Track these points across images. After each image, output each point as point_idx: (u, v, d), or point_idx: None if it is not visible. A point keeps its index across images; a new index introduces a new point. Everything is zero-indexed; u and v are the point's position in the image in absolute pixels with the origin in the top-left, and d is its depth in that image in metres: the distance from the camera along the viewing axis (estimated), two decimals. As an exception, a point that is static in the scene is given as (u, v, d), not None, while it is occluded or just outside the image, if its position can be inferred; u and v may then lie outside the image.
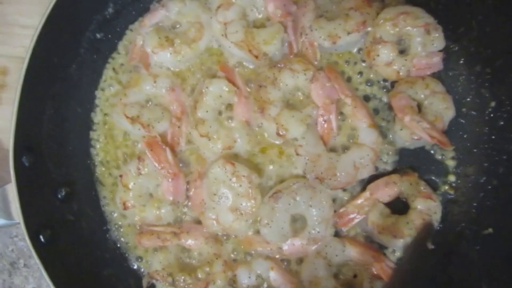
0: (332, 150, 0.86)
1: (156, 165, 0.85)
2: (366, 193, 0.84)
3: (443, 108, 0.84)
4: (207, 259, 0.84)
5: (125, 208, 0.85)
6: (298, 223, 0.85)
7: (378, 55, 0.85)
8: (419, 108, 0.86)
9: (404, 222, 0.82)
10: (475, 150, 0.86)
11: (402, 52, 0.86)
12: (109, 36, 0.92)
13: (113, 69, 0.92)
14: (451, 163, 0.87)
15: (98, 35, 0.91)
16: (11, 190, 0.75)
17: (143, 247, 0.87)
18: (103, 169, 0.91)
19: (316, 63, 0.88)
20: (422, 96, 0.85)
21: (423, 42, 0.84)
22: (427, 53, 0.84)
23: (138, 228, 0.87)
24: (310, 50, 0.88)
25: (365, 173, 0.84)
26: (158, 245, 0.85)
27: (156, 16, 0.89)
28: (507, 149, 0.82)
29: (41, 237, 0.78)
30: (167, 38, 0.87)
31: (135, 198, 0.85)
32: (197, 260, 0.86)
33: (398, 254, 0.85)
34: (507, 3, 0.77)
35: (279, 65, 0.86)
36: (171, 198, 0.86)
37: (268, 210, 0.82)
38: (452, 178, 0.87)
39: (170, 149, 0.86)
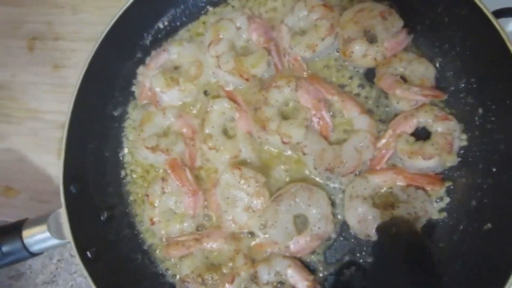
0: (334, 142, 0.96)
1: (178, 184, 0.97)
2: (389, 131, 0.94)
3: (423, 70, 0.95)
4: (229, 256, 0.94)
5: (152, 224, 0.97)
6: (301, 223, 0.94)
7: (352, 52, 0.96)
8: (404, 79, 0.95)
9: (429, 144, 0.91)
10: (469, 154, 0.93)
11: (372, 41, 0.97)
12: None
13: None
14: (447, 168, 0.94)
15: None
16: (63, 214, 0.88)
17: (172, 257, 0.97)
18: (137, 198, 1.04)
19: (305, 74, 1.00)
20: (402, 69, 0.96)
21: (384, 27, 0.95)
22: (392, 34, 0.96)
23: (165, 241, 0.98)
24: (297, 65, 1.01)
25: (368, 154, 0.93)
26: (184, 253, 0.95)
27: (160, 60, 1.04)
28: (497, 149, 0.88)
29: (88, 253, 0.89)
30: (172, 78, 1.01)
31: (161, 214, 0.97)
32: (221, 258, 0.95)
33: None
34: (480, 21, 0.86)
35: (265, 86, 0.99)
36: (191, 213, 0.97)
37: (272, 212, 0.92)
38: (449, 182, 0.93)
39: (189, 169, 0.98)
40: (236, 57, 1.00)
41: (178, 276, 0.97)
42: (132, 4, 0.99)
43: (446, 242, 0.91)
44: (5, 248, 0.87)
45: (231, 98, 1.00)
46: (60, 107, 1.19)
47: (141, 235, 1.02)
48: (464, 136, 0.93)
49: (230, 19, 1.03)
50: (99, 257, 0.91)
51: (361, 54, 0.96)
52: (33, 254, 0.89)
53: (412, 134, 0.94)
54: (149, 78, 1.04)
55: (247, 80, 0.99)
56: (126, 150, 1.06)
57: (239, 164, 0.97)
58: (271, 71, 1.02)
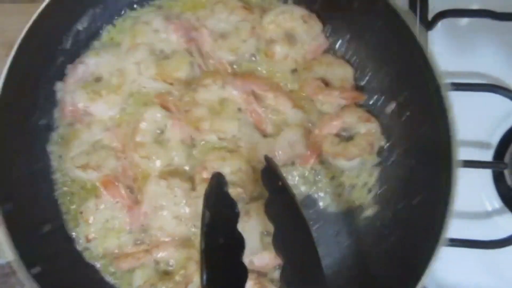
0: (270, 135, 0.97)
1: (112, 200, 0.94)
2: (316, 131, 0.96)
3: (342, 71, 0.97)
4: (181, 264, 0.93)
5: (88, 241, 0.94)
6: (267, 238, 0.92)
7: (274, 53, 0.97)
8: (326, 82, 0.97)
9: (352, 145, 0.93)
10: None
11: (293, 43, 0.98)
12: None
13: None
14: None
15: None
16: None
17: (122, 269, 0.95)
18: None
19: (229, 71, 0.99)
20: (322, 72, 0.97)
21: (305, 30, 0.97)
22: (312, 37, 0.97)
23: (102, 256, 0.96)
24: (222, 67, 0.99)
25: (299, 148, 0.95)
26: (134, 265, 0.94)
27: (78, 73, 0.99)
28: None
29: (32, 270, 0.85)
30: (94, 91, 0.97)
31: (96, 231, 0.95)
32: (174, 266, 0.94)
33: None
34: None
35: (192, 87, 0.96)
36: (128, 228, 0.95)
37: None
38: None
39: (122, 184, 0.95)
40: (157, 62, 0.97)
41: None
42: (46, 6, 0.92)
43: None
44: None
45: (163, 105, 0.97)
46: None
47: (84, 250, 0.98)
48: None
49: (145, 22, 0.98)
50: (45, 273, 0.87)
51: (283, 55, 0.97)
52: None
53: (337, 135, 0.95)
54: (69, 94, 0.99)
55: (171, 84, 0.97)
56: (55, 164, 1.01)
57: (172, 171, 0.95)
58: (196, 72, 0.99)
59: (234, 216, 0.76)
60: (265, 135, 0.96)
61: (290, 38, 0.98)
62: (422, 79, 0.83)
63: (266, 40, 0.97)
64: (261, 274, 0.92)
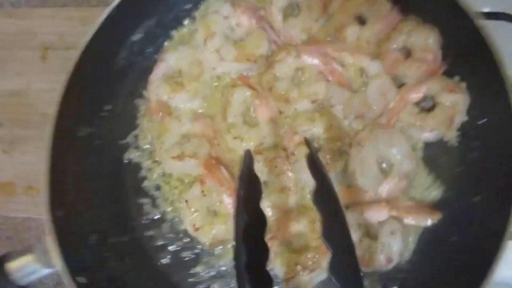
0: (356, 90, 0.96)
1: (216, 184, 0.94)
2: (397, 97, 0.93)
3: (424, 38, 0.93)
4: (309, 230, 0.90)
5: (195, 229, 0.93)
6: (385, 169, 0.92)
7: (346, 37, 0.97)
8: (409, 52, 0.95)
9: (431, 117, 0.91)
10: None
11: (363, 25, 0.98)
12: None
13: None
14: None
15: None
16: (48, 241, 0.82)
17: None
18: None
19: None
20: (402, 41, 0.95)
21: (373, 11, 0.97)
22: (382, 15, 0.96)
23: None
24: (293, 43, 1.01)
25: (391, 95, 0.94)
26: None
27: (160, 70, 1.02)
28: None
29: (81, 279, 0.83)
30: (176, 82, 1.00)
31: (203, 218, 0.93)
32: (301, 239, 0.91)
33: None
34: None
35: (269, 63, 0.98)
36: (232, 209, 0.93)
37: (357, 162, 0.91)
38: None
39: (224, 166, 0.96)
40: (236, 45, 0.99)
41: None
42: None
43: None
44: None
45: (249, 85, 0.99)
46: None
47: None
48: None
49: (215, 11, 1.02)
50: (93, 283, 0.86)
51: (355, 37, 0.97)
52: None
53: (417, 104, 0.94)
54: (154, 91, 1.02)
55: (255, 62, 0.99)
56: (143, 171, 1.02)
57: (265, 148, 0.95)
58: (273, 47, 1.01)
59: (259, 194, 0.77)
60: (354, 91, 0.96)
61: (360, 20, 0.99)
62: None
63: (336, 27, 0.99)
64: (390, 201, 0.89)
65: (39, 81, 1.30)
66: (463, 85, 0.91)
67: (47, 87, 1.29)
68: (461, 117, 0.90)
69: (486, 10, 1.06)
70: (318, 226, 0.83)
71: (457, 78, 0.92)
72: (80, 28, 1.31)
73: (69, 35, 1.32)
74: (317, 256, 0.88)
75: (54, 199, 0.86)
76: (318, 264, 0.87)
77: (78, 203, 0.93)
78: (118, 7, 0.96)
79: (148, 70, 1.04)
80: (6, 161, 1.25)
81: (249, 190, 0.73)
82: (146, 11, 1.04)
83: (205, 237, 0.94)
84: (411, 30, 0.94)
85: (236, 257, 0.67)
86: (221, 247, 0.96)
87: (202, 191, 0.94)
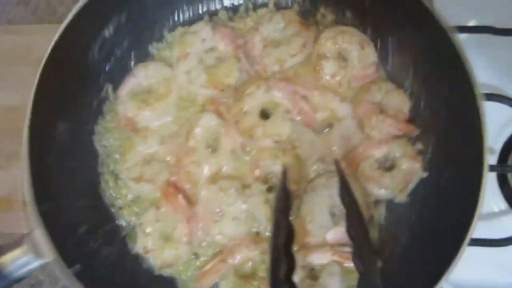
0: (320, 130, 0.98)
1: (172, 211, 0.94)
2: (360, 149, 0.96)
3: (399, 101, 0.96)
4: (260, 260, 0.93)
5: (146, 252, 0.94)
6: (337, 215, 0.93)
7: (322, 69, 0.98)
8: (381, 108, 0.97)
9: (388, 176, 0.93)
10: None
11: (342, 65, 0.98)
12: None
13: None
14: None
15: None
16: (37, 234, 0.82)
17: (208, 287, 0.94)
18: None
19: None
20: (379, 97, 0.97)
21: (359, 56, 0.98)
22: (363, 64, 0.98)
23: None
24: (264, 74, 1.00)
25: (355, 139, 0.96)
26: (217, 278, 0.93)
27: (128, 85, 1.01)
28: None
29: (73, 269, 0.84)
30: (142, 100, 0.99)
31: (155, 242, 0.94)
32: (251, 266, 0.94)
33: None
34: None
35: (237, 98, 0.98)
36: (185, 239, 0.94)
37: (309, 208, 0.92)
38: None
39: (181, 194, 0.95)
40: (208, 70, 0.99)
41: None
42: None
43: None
44: None
45: (218, 112, 0.98)
46: None
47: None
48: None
49: (194, 32, 1.01)
50: (86, 273, 0.86)
51: (330, 73, 0.98)
52: (15, 280, 0.83)
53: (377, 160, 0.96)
54: (122, 105, 1.00)
55: (223, 90, 0.98)
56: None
57: (220, 176, 0.96)
58: (244, 78, 1.01)
59: (289, 207, 0.85)
60: (318, 132, 0.97)
61: (341, 59, 0.99)
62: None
63: (318, 55, 0.98)
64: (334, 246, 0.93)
65: None
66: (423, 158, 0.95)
67: None
68: (413, 185, 0.94)
69: (471, 24, 1.10)
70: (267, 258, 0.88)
71: (420, 145, 0.95)
72: None
73: None
74: (261, 285, 0.91)
75: (38, 193, 0.85)
76: (262, 295, 0.90)
77: (63, 195, 0.93)
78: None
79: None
80: (3, 177, 1.23)
81: (284, 203, 0.83)
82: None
83: (155, 260, 0.95)
84: (389, 90, 0.97)
85: (274, 268, 0.75)
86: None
87: (157, 216, 0.95)
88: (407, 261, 0.91)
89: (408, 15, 0.91)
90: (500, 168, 1.04)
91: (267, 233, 0.94)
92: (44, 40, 1.24)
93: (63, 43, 0.93)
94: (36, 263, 0.83)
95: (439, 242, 0.86)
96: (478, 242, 0.91)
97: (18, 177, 1.15)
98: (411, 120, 0.97)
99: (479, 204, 0.78)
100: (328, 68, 0.97)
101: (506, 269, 1.02)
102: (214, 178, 0.95)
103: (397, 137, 0.95)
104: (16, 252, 0.82)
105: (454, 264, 0.77)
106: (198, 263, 0.96)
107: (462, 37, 0.91)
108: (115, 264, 0.95)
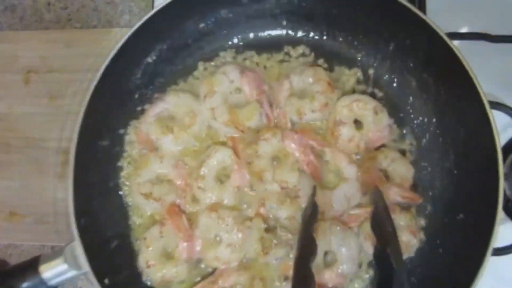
0: (325, 186, 1.05)
1: (175, 229, 1.02)
2: (368, 209, 1.02)
3: (405, 170, 1.04)
4: (248, 285, 1.00)
5: (148, 266, 1.02)
6: (328, 258, 1.01)
7: (340, 134, 1.05)
8: (387, 175, 1.04)
9: None
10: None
11: (358, 129, 1.06)
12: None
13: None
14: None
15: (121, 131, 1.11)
16: (77, 246, 0.92)
17: None
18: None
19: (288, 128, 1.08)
20: (385, 165, 1.04)
21: (373, 120, 1.05)
22: (378, 128, 1.05)
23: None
24: (283, 121, 1.08)
25: (355, 201, 1.03)
26: None
27: (157, 108, 1.09)
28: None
29: (106, 281, 0.94)
30: (167, 126, 1.07)
31: (156, 257, 1.02)
32: None
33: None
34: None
35: (254, 141, 1.05)
36: (185, 257, 1.02)
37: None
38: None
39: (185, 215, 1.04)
40: (231, 109, 1.06)
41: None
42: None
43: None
44: (25, 285, 0.91)
45: (235, 149, 1.06)
46: (58, 134, 1.26)
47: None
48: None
49: (223, 73, 1.08)
50: (115, 284, 0.97)
51: (348, 138, 1.05)
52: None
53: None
54: (146, 125, 1.09)
55: (243, 131, 1.06)
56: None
57: (221, 206, 1.04)
58: (263, 121, 1.08)
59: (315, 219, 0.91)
60: (323, 187, 1.04)
61: (357, 124, 1.07)
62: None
63: (335, 121, 1.06)
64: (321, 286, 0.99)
65: (21, 105, 1.29)
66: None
67: (30, 111, 1.28)
68: (407, 256, 1.01)
69: (464, 30, 1.14)
70: (257, 283, 0.99)
71: (423, 221, 1.04)
72: (64, 50, 1.30)
73: (52, 58, 1.31)
74: None
75: (78, 208, 0.95)
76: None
77: (99, 210, 1.03)
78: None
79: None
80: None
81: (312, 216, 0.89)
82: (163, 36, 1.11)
83: (155, 275, 1.02)
84: (395, 159, 1.04)
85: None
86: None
87: (161, 233, 1.03)
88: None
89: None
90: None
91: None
92: (30, 47, 1.31)
93: (113, 66, 1.01)
94: (72, 273, 0.93)
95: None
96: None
97: (4, 188, 1.23)
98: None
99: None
100: (345, 133, 1.05)
101: (503, 279, 1.05)
102: (215, 207, 1.03)
103: (404, 208, 1.03)
104: (55, 262, 0.93)
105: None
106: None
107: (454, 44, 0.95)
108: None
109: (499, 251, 0.96)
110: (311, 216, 0.90)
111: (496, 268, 1.03)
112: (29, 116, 1.28)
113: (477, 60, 0.91)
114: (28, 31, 1.35)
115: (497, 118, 0.93)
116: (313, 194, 0.95)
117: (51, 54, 1.31)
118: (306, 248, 0.85)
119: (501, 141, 1.03)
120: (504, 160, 1.04)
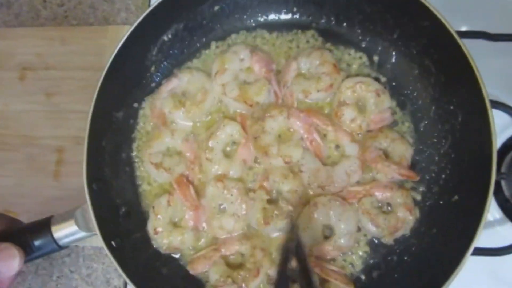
0: (327, 164, 1.10)
1: (182, 198, 1.08)
2: (366, 186, 1.07)
3: (403, 149, 1.08)
4: (249, 253, 1.06)
5: (156, 233, 1.07)
6: (327, 231, 1.06)
7: (343, 114, 1.10)
8: (386, 154, 1.09)
9: (383, 217, 1.05)
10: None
11: (361, 111, 1.11)
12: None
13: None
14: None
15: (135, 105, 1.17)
16: (88, 209, 0.97)
17: (198, 271, 1.07)
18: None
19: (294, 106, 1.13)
20: (385, 144, 1.09)
21: (375, 102, 1.10)
22: (379, 110, 1.10)
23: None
24: (289, 99, 1.13)
25: (355, 178, 1.08)
26: (208, 265, 1.06)
27: (171, 84, 1.15)
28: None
29: (113, 243, 0.99)
30: (180, 101, 1.12)
31: (164, 225, 1.07)
32: (241, 258, 1.07)
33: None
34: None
35: (260, 118, 1.10)
36: (191, 224, 1.08)
37: (306, 219, 1.05)
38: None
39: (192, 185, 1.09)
40: (241, 86, 1.11)
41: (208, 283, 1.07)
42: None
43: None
44: (37, 243, 0.95)
45: (244, 125, 1.11)
46: (54, 132, 1.27)
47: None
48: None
49: (234, 52, 1.14)
50: (123, 247, 1.02)
51: (350, 118, 1.09)
52: (61, 247, 0.98)
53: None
54: (160, 100, 1.14)
55: (251, 106, 1.11)
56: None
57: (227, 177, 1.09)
58: (271, 98, 1.14)
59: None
60: (324, 163, 1.09)
61: (360, 105, 1.12)
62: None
63: (339, 102, 1.11)
64: (319, 258, 1.05)
65: (17, 103, 1.29)
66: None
67: (25, 109, 1.28)
68: (402, 233, 1.05)
69: (464, 29, 1.16)
70: (257, 252, 1.04)
71: (419, 196, 1.09)
72: (60, 48, 1.30)
73: (48, 55, 1.30)
74: (247, 275, 1.04)
75: (90, 173, 0.99)
76: (247, 283, 1.03)
77: (111, 178, 1.08)
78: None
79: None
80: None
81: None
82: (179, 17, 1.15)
83: (162, 241, 1.08)
84: (394, 139, 1.09)
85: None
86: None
87: (169, 201, 1.08)
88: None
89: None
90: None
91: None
92: (26, 44, 1.30)
93: (129, 43, 1.05)
94: (81, 234, 0.98)
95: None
96: (474, 252, 0.92)
97: (0, 185, 1.23)
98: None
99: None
100: (348, 113, 1.10)
101: (501, 279, 1.07)
102: (221, 178, 1.09)
103: (401, 186, 1.08)
104: (66, 223, 0.98)
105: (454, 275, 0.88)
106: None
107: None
108: (142, 248, 1.09)
109: (499, 251, 0.98)
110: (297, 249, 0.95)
111: (496, 268, 1.06)
112: (25, 113, 1.29)
113: (476, 59, 0.94)
114: (24, 28, 1.35)
115: (496, 117, 0.94)
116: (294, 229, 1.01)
117: (47, 51, 1.31)
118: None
119: (499, 140, 1.11)
120: (504, 159, 1.12)
